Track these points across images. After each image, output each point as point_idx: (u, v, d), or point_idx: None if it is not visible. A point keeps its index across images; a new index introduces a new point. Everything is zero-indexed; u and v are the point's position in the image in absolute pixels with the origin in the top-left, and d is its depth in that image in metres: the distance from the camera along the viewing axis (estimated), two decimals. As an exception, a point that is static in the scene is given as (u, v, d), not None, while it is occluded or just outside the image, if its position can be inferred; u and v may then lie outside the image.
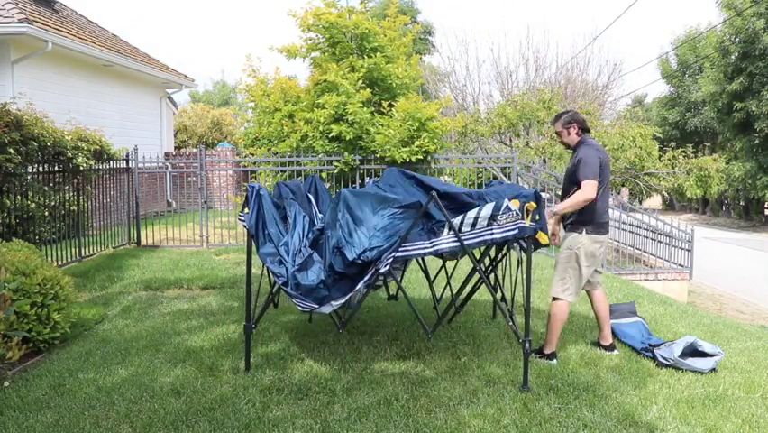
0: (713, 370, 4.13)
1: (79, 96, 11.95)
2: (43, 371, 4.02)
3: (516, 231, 3.56)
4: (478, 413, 3.38)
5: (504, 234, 3.56)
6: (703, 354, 4.17)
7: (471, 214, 3.55)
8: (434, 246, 3.61)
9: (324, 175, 9.32)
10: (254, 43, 69.53)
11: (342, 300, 3.70)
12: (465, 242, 3.59)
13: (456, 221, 3.57)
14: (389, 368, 4.07)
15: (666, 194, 33.74)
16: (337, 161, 9.16)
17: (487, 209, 3.54)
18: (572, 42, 44.42)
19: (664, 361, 4.20)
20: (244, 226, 3.94)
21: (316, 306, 3.66)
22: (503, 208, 3.53)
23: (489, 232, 3.57)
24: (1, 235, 6.16)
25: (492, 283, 4.59)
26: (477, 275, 4.50)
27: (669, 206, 39.20)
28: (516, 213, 3.55)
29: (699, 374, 4.05)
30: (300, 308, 3.68)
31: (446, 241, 3.60)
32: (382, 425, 3.24)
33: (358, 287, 3.68)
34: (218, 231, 10.49)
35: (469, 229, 3.58)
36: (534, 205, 3.62)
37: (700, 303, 10.72)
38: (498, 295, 4.53)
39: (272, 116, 9.47)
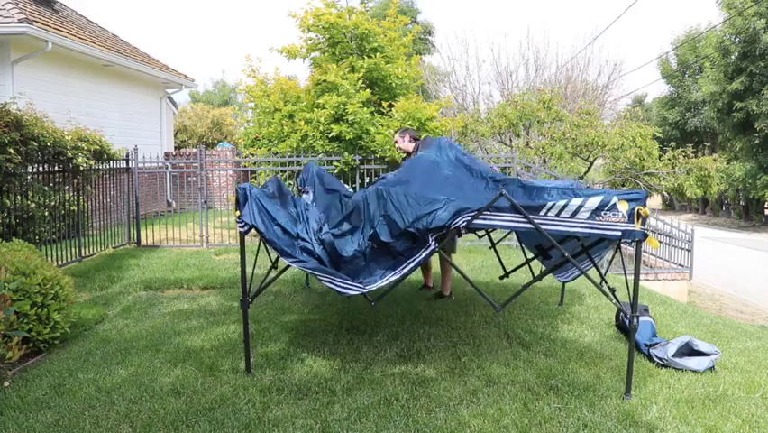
0: (711, 369, 4.14)
1: (79, 96, 11.95)
2: (43, 371, 4.02)
3: (620, 233, 3.47)
4: (478, 413, 3.38)
5: (603, 232, 3.48)
6: (700, 354, 4.17)
7: (576, 202, 3.48)
8: (526, 223, 3.57)
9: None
10: (254, 44, 69.57)
11: (383, 281, 3.66)
12: (561, 228, 3.53)
13: (560, 203, 3.49)
14: (389, 368, 4.07)
15: (666, 194, 33.75)
16: (337, 161, 9.15)
17: (593, 201, 3.45)
18: (572, 43, 44.52)
19: (659, 360, 4.21)
20: (240, 230, 3.80)
21: (357, 285, 3.60)
22: (609, 205, 3.45)
23: (589, 225, 3.48)
24: (1, 235, 6.16)
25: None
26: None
27: (669, 206, 39.20)
28: (623, 215, 3.45)
29: (700, 374, 4.06)
30: (338, 291, 3.61)
31: (544, 221, 3.55)
32: (382, 425, 3.24)
33: (408, 268, 3.65)
34: (218, 231, 10.49)
35: (568, 216, 3.50)
36: (648, 211, 3.51)
37: (700, 303, 10.73)
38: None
39: (272, 116, 9.47)
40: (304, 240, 3.83)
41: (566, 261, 3.89)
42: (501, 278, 5.63)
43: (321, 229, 3.96)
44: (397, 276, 3.69)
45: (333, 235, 3.88)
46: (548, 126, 13.48)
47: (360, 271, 3.75)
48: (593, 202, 3.46)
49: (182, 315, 5.45)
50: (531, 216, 3.54)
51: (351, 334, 4.81)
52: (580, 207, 3.47)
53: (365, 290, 3.63)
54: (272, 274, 4.22)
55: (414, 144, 5.69)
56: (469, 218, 3.60)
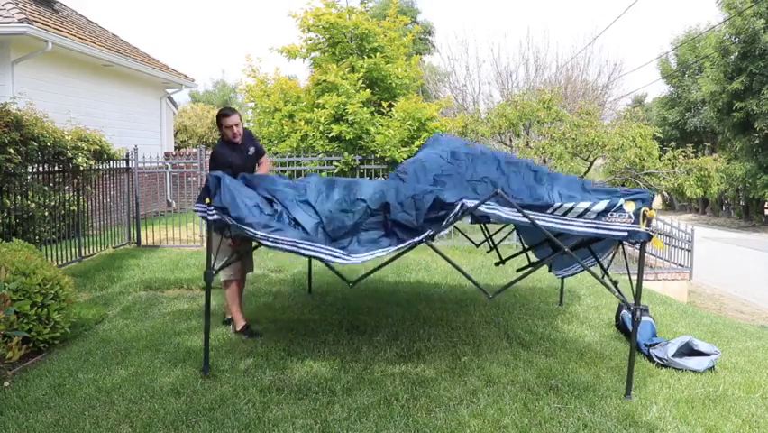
0: (711, 369, 4.14)
1: (79, 97, 11.95)
2: (43, 371, 4.02)
3: (626, 234, 3.49)
4: (478, 413, 3.38)
5: (609, 232, 3.50)
6: (700, 354, 4.17)
7: (583, 204, 3.51)
8: (530, 219, 3.59)
9: (323, 175, 9.32)
10: (254, 44, 69.63)
11: (369, 255, 3.51)
12: (569, 227, 3.55)
13: (567, 205, 3.52)
14: (389, 368, 4.07)
15: (666, 194, 33.76)
16: (337, 161, 9.16)
17: (600, 205, 3.49)
18: (572, 43, 44.55)
19: (659, 360, 4.21)
20: (204, 217, 3.68)
21: (342, 253, 3.46)
22: (616, 207, 3.48)
23: (595, 225, 3.51)
24: (1, 235, 6.15)
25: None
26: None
27: (669, 206, 39.20)
28: (630, 216, 3.47)
29: (700, 374, 4.06)
30: (323, 259, 3.46)
31: (547, 219, 3.56)
32: (382, 425, 3.24)
33: (395, 248, 3.57)
34: (218, 231, 10.47)
35: (575, 216, 3.53)
36: (654, 213, 3.53)
37: (700, 303, 10.73)
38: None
39: (272, 116, 9.47)
40: (283, 209, 3.69)
41: (564, 253, 3.87)
42: (497, 264, 5.58)
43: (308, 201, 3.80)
44: (383, 254, 3.56)
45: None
46: (548, 126, 13.46)
47: (347, 234, 3.60)
48: (600, 206, 3.49)
49: (182, 315, 5.44)
50: (534, 216, 3.52)
51: (351, 334, 4.81)
52: (587, 210, 3.49)
53: (350, 261, 3.46)
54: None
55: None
56: (474, 204, 3.52)
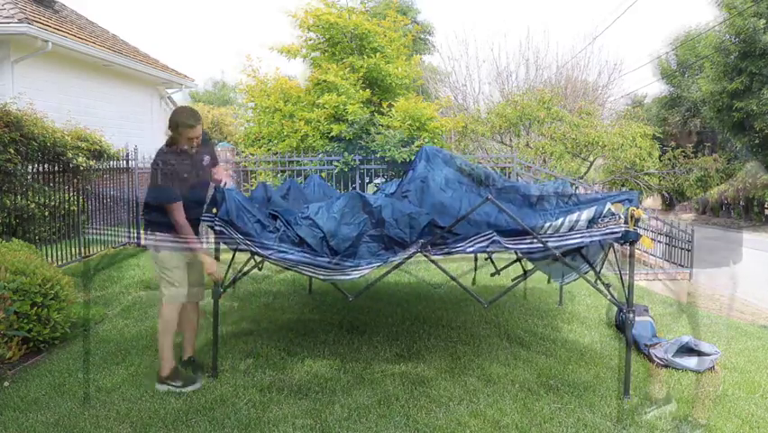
0: (711, 369, 4.14)
1: (79, 96, 11.94)
2: (43, 371, 4.02)
3: (619, 234, 3.54)
4: (477, 413, 3.38)
5: (604, 237, 3.56)
6: (700, 354, 4.18)
7: (572, 217, 3.58)
8: (531, 245, 3.67)
9: (324, 175, 9.32)
10: (254, 43, 69.55)
11: (368, 268, 3.61)
12: (566, 242, 3.62)
13: (556, 223, 3.60)
14: (389, 368, 4.07)
15: (666, 194, 33.75)
16: (337, 161, 9.15)
17: (587, 214, 3.56)
18: (572, 43, 44.52)
19: (659, 360, 4.21)
20: (211, 227, 3.78)
21: (338, 274, 3.57)
22: (605, 212, 3.53)
23: (589, 234, 3.57)
24: (1, 235, 6.15)
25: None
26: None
27: (669, 206, 39.17)
28: (620, 216, 3.53)
29: (700, 374, 4.06)
30: (322, 279, 3.62)
31: (548, 240, 3.62)
32: (382, 425, 3.24)
33: (391, 260, 3.66)
34: (218, 231, 10.45)
35: (567, 230, 3.59)
36: (642, 212, 3.59)
37: (700, 303, 10.71)
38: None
39: (272, 116, 9.47)
40: (285, 228, 3.74)
41: (557, 260, 3.91)
42: (492, 275, 5.63)
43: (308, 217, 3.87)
44: (380, 264, 3.68)
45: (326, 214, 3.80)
46: (548, 126, 13.47)
47: (351, 246, 3.66)
48: (588, 214, 3.55)
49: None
50: (526, 244, 3.64)
51: (351, 334, 4.81)
52: (577, 221, 3.57)
53: (350, 277, 3.59)
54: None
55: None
56: (472, 249, 3.68)
